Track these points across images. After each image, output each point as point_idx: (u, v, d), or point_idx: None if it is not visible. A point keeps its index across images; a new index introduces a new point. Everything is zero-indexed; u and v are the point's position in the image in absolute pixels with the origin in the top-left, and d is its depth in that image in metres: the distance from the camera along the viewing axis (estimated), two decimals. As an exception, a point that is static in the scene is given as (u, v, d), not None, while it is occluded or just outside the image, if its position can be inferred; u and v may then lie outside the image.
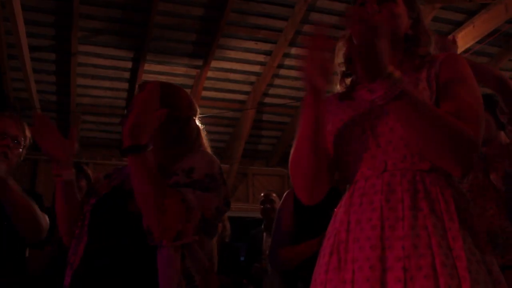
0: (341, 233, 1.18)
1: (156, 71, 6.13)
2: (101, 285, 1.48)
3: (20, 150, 2.22)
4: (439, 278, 1.02)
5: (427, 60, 1.29)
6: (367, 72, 1.09)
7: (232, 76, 6.44)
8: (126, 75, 6.23)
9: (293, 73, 6.53)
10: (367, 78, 1.10)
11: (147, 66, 6.03)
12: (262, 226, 4.38)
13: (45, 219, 2.13)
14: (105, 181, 1.73)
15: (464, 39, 5.36)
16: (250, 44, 6.01)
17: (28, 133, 2.23)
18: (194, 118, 1.75)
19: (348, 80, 1.38)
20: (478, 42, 5.52)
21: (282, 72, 6.47)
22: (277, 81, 6.61)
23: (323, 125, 1.23)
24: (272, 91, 6.77)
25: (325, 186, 1.29)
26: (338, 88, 1.38)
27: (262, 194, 4.56)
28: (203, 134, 1.76)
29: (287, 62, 6.33)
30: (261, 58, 6.23)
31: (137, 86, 1.76)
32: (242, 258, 4.71)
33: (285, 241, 2.33)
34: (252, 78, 6.55)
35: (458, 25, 5.71)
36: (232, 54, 6.10)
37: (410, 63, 1.30)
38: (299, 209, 2.31)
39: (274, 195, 4.48)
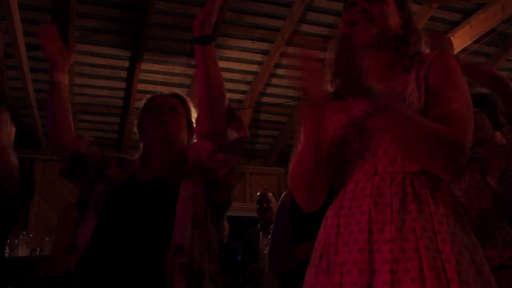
0: (331, 236, 1.19)
1: (153, 70, 6.12)
2: (108, 268, 1.51)
3: None
4: (426, 281, 1.02)
5: (416, 60, 1.29)
6: (348, 87, 1.12)
7: (229, 75, 6.43)
8: (123, 74, 6.22)
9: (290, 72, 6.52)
10: (349, 93, 1.13)
11: (144, 65, 6.02)
12: (259, 226, 4.38)
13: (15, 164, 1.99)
14: (117, 168, 1.79)
15: (461, 39, 5.37)
16: (247, 44, 6.01)
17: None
18: None
19: (338, 81, 1.39)
20: (475, 42, 5.53)
21: (279, 71, 6.47)
22: (274, 81, 6.61)
23: (324, 136, 1.25)
24: (269, 90, 6.77)
25: (325, 193, 1.30)
26: (329, 87, 1.39)
27: (258, 194, 4.55)
28: None
29: (284, 61, 6.33)
30: (258, 57, 6.23)
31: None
32: (239, 258, 4.71)
33: (284, 242, 2.33)
34: (249, 78, 6.54)
35: (455, 24, 5.72)
36: (229, 53, 6.10)
37: (400, 63, 1.30)
38: (298, 210, 2.31)
39: (270, 194, 4.48)
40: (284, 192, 2.50)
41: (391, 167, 1.18)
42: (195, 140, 1.79)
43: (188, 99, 1.95)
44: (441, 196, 1.15)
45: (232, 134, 1.61)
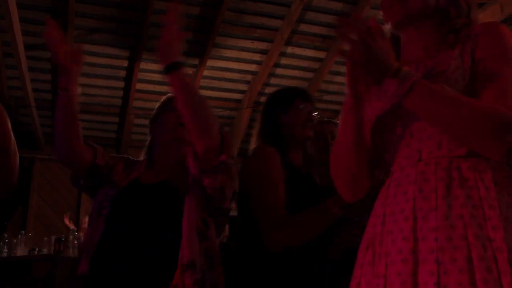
0: (377, 226, 1.13)
1: (152, 70, 6.12)
2: (119, 271, 1.52)
3: None
4: (475, 272, 0.95)
5: (462, 34, 1.18)
6: (373, 77, 1.07)
7: (228, 75, 6.44)
8: (122, 74, 6.22)
9: (289, 72, 6.53)
10: (375, 82, 1.08)
11: (143, 65, 6.02)
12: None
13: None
14: (123, 173, 1.78)
15: (460, 39, 5.37)
16: (246, 43, 6.01)
17: None
18: None
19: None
20: (474, 42, 5.53)
21: (278, 71, 6.47)
22: (274, 80, 6.61)
23: (363, 128, 1.19)
24: (268, 90, 6.77)
25: (367, 181, 1.24)
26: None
27: None
28: None
29: (283, 61, 6.33)
30: (257, 57, 6.23)
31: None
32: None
33: (282, 218, 1.76)
34: (248, 77, 6.55)
35: (453, 24, 5.72)
36: (228, 53, 6.10)
37: (444, 39, 1.19)
38: (290, 174, 1.87)
39: None
40: (260, 145, 1.99)
41: (437, 151, 1.10)
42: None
43: None
44: (493, 179, 1.05)
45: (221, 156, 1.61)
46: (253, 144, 2.12)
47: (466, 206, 1.02)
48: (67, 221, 5.77)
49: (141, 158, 1.89)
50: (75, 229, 5.07)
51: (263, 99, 6.86)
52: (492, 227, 0.99)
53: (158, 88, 6.30)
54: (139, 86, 6.29)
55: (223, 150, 1.61)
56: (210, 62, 6.13)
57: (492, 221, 0.99)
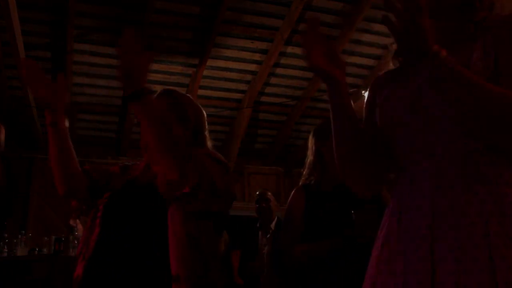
0: (393, 223, 1.10)
1: (152, 69, 6.11)
2: (115, 275, 1.51)
3: None
4: (497, 272, 0.91)
5: (485, 26, 1.14)
6: (410, 53, 1.01)
7: (228, 74, 6.44)
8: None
9: (289, 71, 6.53)
10: (410, 60, 1.05)
11: (143, 65, 6.01)
12: (258, 225, 4.37)
13: None
14: (121, 176, 1.77)
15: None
16: (246, 43, 6.01)
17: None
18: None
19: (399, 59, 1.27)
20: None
21: (278, 71, 6.47)
22: (273, 80, 6.61)
23: (351, 110, 1.18)
24: (268, 90, 6.77)
25: (379, 171, 1.20)
26: (391, 65, 1.28)
27: (257, 193, 4.52)
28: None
29: (283, 60, 6.33)
30: (257, 56, 6.23)
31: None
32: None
33: (297, 239, 2.31)
34: (248, 77, 6.54)
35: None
36: (228, 53, 6.10)
37: (465, 30, 1.15)
38: (310, 207, 2.32)
39: (269, 193, 4.46)
40: (296, 188, 2.46)
41: (452, 145, 1.05)
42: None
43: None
44: None
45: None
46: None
47: (486, 203, 0.98)
48: (72, 222, 5.75)
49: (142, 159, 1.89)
50: (76, 228, 5.06)
51: (263, 98, 6.87)
52: None
53: (158, 88, 6.27)
54: (139, 86, 6.28)
55: (190, 184, 1.48)
56: (210, 62, 6.13)
57: None
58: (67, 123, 1.65)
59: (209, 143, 1.80)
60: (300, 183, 2.41)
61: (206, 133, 1.80)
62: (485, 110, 0.99)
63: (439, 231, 0.99)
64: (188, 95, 1.87)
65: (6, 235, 4.75)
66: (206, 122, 1.81)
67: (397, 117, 1.16)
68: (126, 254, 1.53)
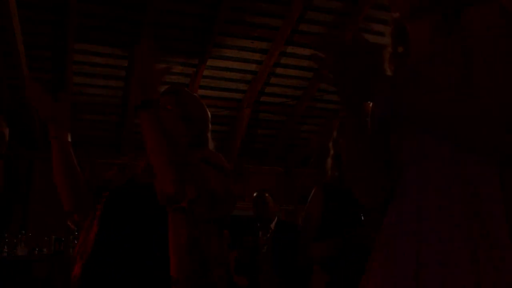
0: (387, 227, 1.11)
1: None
2: (113, 276, 1.51)
3: None
4: (481, 274, 0.91)
5: (464, 19, 1.11)
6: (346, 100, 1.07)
7: (228, 74, 6.43)
8: (122, 73, 6.22)
9: (289, 72, 6.53)
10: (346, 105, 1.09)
11: (143, 65, 6.01)
12: (258, 225, 4.37)
13: None
14: (119, 174, 1.77)
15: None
16: (246, 43, 6.00)
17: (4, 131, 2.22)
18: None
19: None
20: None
21: (279, 70, 6.47)
22: (274, 80, 6.61)
23: (367, 130, 1.16)
24: (268, 89, 6.77)
25: (385, 183, 1.20)
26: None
27: (254, 194, 4.50)
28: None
29: (284, 60, 6.33)
30: (257, 56, 6.23)
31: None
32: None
33: (311, 239, 2.43)
34: (248, 77, 6.54)
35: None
36: (228, 52, 6.10)
37: (447, 25, 1.14)
38: (328, 206, 2.41)
39: (267, 195, 4.45)
40: (315, 187, 2.53)
41: (439, 148, 1.05)
42: None
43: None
44: (499, 176, 0.99)
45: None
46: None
47: (471, 205, 0.98)
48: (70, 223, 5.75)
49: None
50: (76, 229, 5.06)
51: (263, 98, 6.87)
52: (499, 225, 0.95)
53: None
54: (139, 85, 6.28)
55: (188, 199, 1.49)
56: (210, 62, 6.13)
57: (498, 218, 0.95)
58: (69, 138, 1.67)
59: (211, 144, 1.80)
60: (323, 180, 2.49)
61: (209, 133, 1.80)
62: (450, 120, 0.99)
63: (424, 234, 1.00)
64: (195, 94, 1.88)
65: (6, 235, 4.76)
66: (210, 123, 1.82)
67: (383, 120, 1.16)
68: (125, 254, 1.53)
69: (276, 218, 4.29)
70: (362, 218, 2.11)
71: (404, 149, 1.13)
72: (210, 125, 1.81)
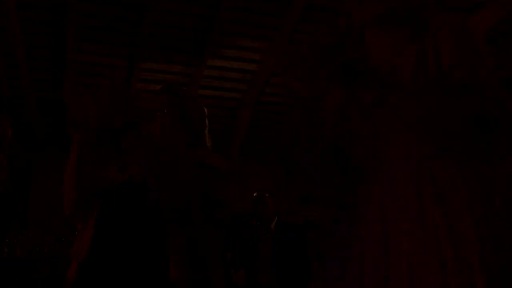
0: (352, 226, 1.11)
1: (152, 69, 6.11)
2: (109, 276, 1.51)
3: None
4: (448, 274, 0.92)
5: (431, 26, 1.14)
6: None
7: (228, 74, 6.43)
8: (123, 73, 6.21)
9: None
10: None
11: (143, 65, 6.01)
12: (258, 225, 4.37)
13: None
14: (118, 174, 1.77)
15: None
16: (247, 42, 6.00)
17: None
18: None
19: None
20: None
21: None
22: (274, 80, 6.60)
23: None
24: (268, 89, 6.76)
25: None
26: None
27: (254, 195, 4.49)
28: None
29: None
30: (257, 56, 6.22)
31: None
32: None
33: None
34: (249, 77, 6.54)
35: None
36: (228, 52, 6.09)
37: (414, 32, 1.16)
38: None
39: (267, 195, 4.45)
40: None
41: (406, 149, 1.06)
42: None
43: None
44: (464, 178, 1.01)
45: None
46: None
47: (437, 206, 0.98)
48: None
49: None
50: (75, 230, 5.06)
51: (263, 98, 6.87)
52: (465, 227, 0.96)
53: (158, 88, 6.28)
54: (139, 86, 6.28)
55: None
56: (210, 62, 6.12)
57: (464, 220, 0.96)
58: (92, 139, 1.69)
59: (209, 143, 1.80)
60: None
61: (207, 133, 1.80)
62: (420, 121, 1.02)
63: (391, 236, 1.00)
64: (193, 93, 1.90)
65: (6, 235, 4.75)
66: (208, 122, 1.82)
67: (356, 125, 1.17)
68: (122, 254, 1.52)
69: (276, 218, 4.29)
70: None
71: (367, 150, 1.13)
72: (208, 124, 1.81)
